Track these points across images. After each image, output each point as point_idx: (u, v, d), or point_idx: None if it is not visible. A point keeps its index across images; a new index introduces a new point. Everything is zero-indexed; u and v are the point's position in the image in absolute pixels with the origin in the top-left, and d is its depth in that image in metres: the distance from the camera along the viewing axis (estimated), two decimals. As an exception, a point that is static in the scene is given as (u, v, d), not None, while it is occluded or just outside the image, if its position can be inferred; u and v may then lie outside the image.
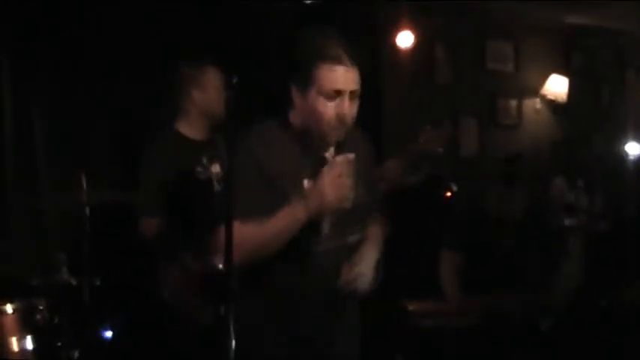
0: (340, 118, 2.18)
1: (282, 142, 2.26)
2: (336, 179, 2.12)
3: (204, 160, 3.26)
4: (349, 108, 2.19)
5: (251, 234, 2.09)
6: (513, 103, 6.26)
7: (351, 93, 2.19)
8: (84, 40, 4.24)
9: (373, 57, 5.20)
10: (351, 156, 2.15)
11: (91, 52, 4.25)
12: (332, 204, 2.13)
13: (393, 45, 5.40)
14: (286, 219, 2.13)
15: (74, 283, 3.25)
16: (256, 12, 4.38)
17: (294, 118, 2.28)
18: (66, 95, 4.27)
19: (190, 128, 3.34)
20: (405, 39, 5.39)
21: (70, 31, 4.19)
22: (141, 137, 3.38)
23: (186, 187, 3.19)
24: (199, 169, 3.24)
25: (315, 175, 2.18)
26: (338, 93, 2.16)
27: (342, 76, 2.16)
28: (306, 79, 2.17)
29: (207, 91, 3.30)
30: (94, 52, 4.25)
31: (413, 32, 5.36)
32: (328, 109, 2.17)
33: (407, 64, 5.51)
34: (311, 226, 2.17)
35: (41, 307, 2.90)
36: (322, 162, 2.23)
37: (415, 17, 5.32)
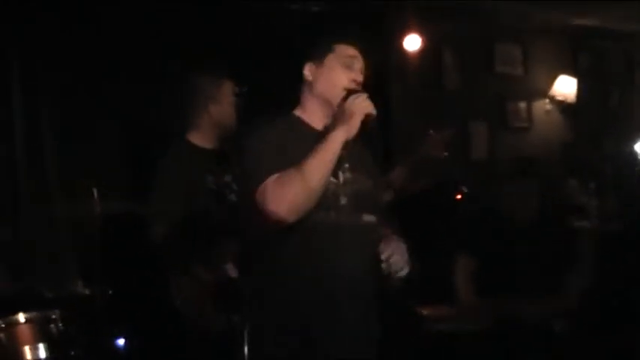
0: (353, 84, 2.35)
1: (290, 132, 2.37)
2: (357, 98, 2.29)
3: (217, 170, 3.27)
4: (361, 78, 2.39)
5: (292, 175, 2.18)
6: (523, 105, 6.24)
7: (361, 72, 2.41)
8: (93, 46, 4.25)
9: (380, 62, 5.19)
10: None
11: (101, 59, 4.27)
12: (362, 113, 2.26)
13: (401, 49, 5.39)
14: (322, 148, 2.21)
15: (87, 293, 3.25)
16: (258, 12, 4.39)
17: (304, 102, 2.45)
18: (77, 104, 4.28)
19: (203, 139, 3.36)
20: (412, 43, 5.39)
21: (77, 37, 4.20)
22: (153, 147, 3.40)
23: (199, 196, 3.20)
24: (211, 178, 3.25)
25: None
26: (352, 60, 2.39)
27: (357, 56, 2.41)
28: (324, 48, 2.40)
29: (222, 104, 3.33)
30: (104, 58, 4.27)
31: (420, 36, 5.36)
32: (344, 73, 2.38)
33: (415, 68, 5.51)
34: (330, 195, 2.27)
35: (54, 317, 2.90)
36: None
37: (423, 21, 5.32)
